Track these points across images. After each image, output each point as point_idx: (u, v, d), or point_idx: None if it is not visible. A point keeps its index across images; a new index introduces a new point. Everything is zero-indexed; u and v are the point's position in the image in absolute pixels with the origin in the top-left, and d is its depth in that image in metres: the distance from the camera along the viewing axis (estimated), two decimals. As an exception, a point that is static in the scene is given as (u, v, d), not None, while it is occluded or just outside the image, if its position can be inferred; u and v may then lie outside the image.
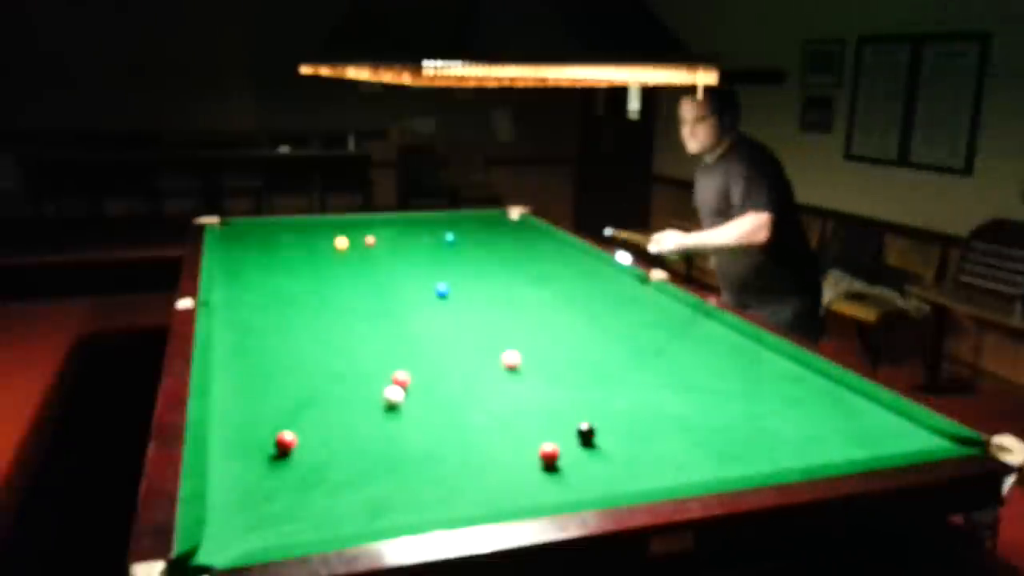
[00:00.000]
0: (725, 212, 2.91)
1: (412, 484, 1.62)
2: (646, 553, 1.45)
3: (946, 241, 4.73)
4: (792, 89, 5.80)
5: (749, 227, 2.76)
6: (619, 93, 8.06)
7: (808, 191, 5.70)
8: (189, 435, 1.75)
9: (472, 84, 2.04)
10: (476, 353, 2.38)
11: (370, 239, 3.87)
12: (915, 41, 4.86)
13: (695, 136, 2.89)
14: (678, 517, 1.47)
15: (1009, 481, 1.70)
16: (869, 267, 5.08)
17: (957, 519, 1.79)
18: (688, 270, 6.75)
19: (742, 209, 2.81)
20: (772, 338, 2.49)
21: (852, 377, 2.18)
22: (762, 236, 2.74)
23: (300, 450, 1.75)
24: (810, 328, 2.93)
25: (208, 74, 7.46)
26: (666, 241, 2.97)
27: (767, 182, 2.80)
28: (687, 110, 2.90)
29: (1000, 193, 4.40)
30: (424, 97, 7.78)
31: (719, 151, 2.97)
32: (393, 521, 1.46)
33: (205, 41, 7.37)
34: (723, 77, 2.15)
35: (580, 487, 1.61)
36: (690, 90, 2.78)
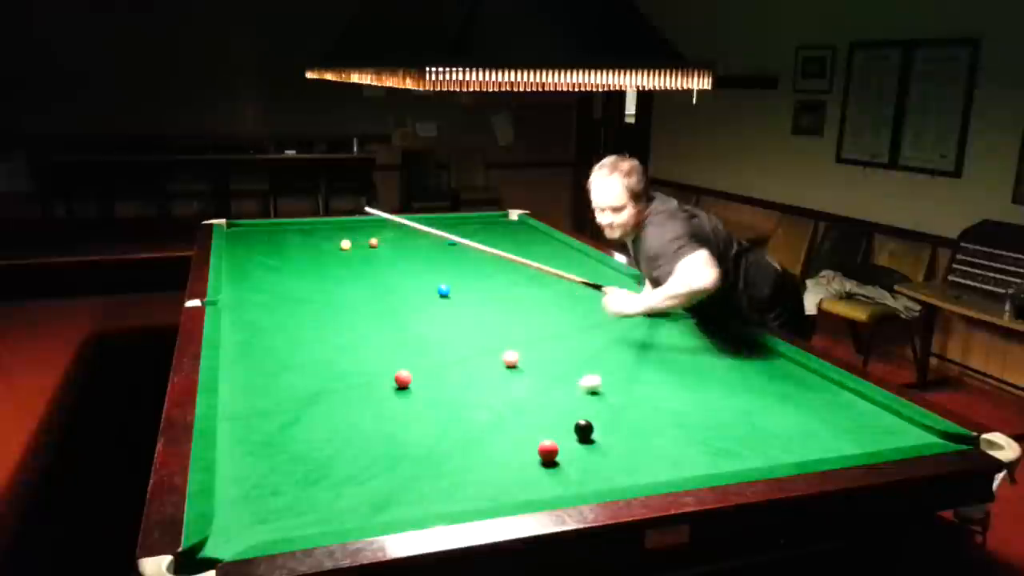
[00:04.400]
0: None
1: (414, 479, 1.66)
2: (643, 545, 1.49)
3: (936, 242, 4.77)
4: (785, 93, 5.85)
5: (691, 273, 2.36)
6: (616, 97, 8.11)
7: (800, 193, 5.76)
8: (197, 431, 1.79)
9: (473, 89, 2.07)
10: (477, 352, 2.42)
11: (374, 241, 3.92)
12: (906, 46, 4.90)
13: (613, 227, 2.54)
14: (674, 511, 1.51)
15: (999, 477, 1.73)
16: (860, 267, 5.12)
17: (948, 514, 1.82)
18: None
19: (670, 270, 2.45)
20: (766, 337, 2.52)
21: (844, 375, 2.21)
22: (710, 275, 2.36)
23: (305, 446, 1.79)
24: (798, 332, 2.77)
25: (216, 79, 7.50)
26: (616, 304, 2.52)
27: (681, 241, 2.44)
28: (603, 196, 2.52)
29: (989, 195, 4.44)
30: (426, 101, 7.84)
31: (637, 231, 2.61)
32: (396, 515, 1.50)
33: (214, 47, 7.41)
34: (717, 82, 2.19)
35: (578, 482, 1.65)
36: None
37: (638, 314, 2.51)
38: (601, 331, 2.67)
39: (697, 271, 2.36)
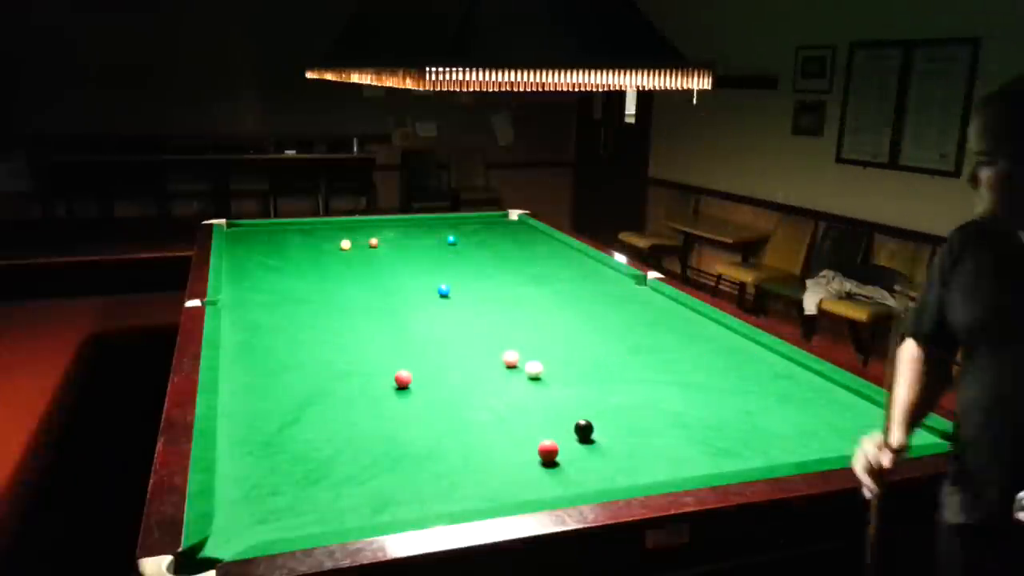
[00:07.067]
0: None
1: (414, 479, 1.66)
2: (643, 545, 1.49)
3: (935, 242, 4.77)
4: (785, 93, 5.85)
5: None
6: (616, 97, 8.11)
7: (800, 193, 5.76)
8: (197, 431, 1.79)
9: (473, 89, 2.08)
10: (477, 351, 2.42)
11: (374, 241, 3.92)
12: (906, 46, 4.91)
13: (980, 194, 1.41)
14: (674, 511, 1.51)
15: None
16: (860, 267, 5.13)
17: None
18: (684, 269, 6.79)
19: None
20: (766, 337, 2.53)
21: (844, 374, 2.22)
22: None
23: (305, 446, 1.79)
24: None
25: (216, 79, 7.50)
26: None
27: None
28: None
29: (990, 195, 4.44)
30: (426, 101, 7.84)
31: None
32: (396, 515, 1.50)
33: (214, 47, 7.41)
34: (717, 82, 2.19)
35: (578, 481, 1.65)
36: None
37: None
38: (601, 331, 2.67)
39: None
